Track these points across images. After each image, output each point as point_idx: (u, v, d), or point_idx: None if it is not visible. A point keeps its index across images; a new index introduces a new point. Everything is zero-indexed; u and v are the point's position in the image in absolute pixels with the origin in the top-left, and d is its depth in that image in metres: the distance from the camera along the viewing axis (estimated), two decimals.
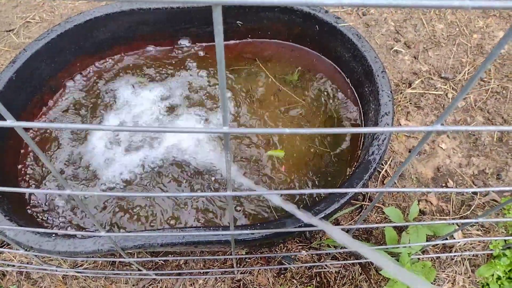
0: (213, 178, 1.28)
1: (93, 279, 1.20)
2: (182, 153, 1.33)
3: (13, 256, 1.24)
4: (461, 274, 1.19)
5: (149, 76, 1.52)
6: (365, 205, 1.30)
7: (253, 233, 0.94)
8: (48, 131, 1.38)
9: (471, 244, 1.24)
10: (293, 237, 1.25)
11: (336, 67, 1.51)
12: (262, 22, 1.52)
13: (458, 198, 1.32)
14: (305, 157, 1.32)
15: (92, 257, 1.14)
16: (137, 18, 1.45)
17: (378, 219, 1.29)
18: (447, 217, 1.28)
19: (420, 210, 1.30)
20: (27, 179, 1.28)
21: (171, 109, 1.43)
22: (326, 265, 1.21)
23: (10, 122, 0.36)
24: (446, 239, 1.21)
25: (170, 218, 1.21)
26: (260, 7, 1.47)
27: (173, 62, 1.56)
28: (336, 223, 1.28)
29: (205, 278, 1.20)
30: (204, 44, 1.59)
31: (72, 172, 1.30)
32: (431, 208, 1.30)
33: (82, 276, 1.20)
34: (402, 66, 1.63)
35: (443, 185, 1.35)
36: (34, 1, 1.93)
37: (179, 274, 1.20)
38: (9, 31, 1.82)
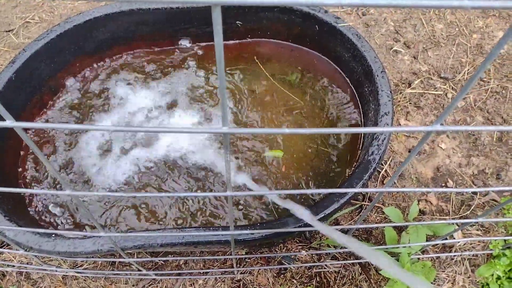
0: (213, 178, 1.28)
1: (93, 279, 1.20)
2: (181, 152, 1.33)
3: (13, 257, 1.24)
4: (461, 274, 1.19)
5: (148, 76, 1.52)
6: (365, 205, 1.30)
7: (253, 233, 0.94)
8: (48, 131, 1.38)
9: (471, 244, 1.24)
10: (293, 237, 1.25)
11: (336, 67, 1.51)
12: (261, 22, 1.52)
13: (458, 198, 1.32)
14: (305, 157, 1.32)
15: (92, 257, 1.14)
16: (136, 18, 1.45)
17: (378, 219, 1.29)
18: (447, 217, 1.28)
19: (420, 210, 1.30)
20: (27, 179, 1.28)
21: (170, 109, 1.43)
22: (326, 265, 1.21)
23: (9, 122, 0.36)
24: (446, 239, 1.21)
25: (172, 219, 1.21)
26: (259, 7, 1.47)
27: (173, 62, 1.56)
28: (336, 223, 1.28)
29: (205, 278, 1.20)
30: (203, 44, 1.59)
31: (72, 172, 1.30)
32: (431, 208, 1.30)
33: (82, 276, 1.20)
34: (401, 66, 1.63)
35: (443, 185, 1.35)
36: (34, 1, 1.93)
37: (179, 274, 1.20)
38: (9, 31, 1.81)
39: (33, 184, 1.27)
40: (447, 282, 1.18)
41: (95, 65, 1.53)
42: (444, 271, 1.20)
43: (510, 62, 1.62)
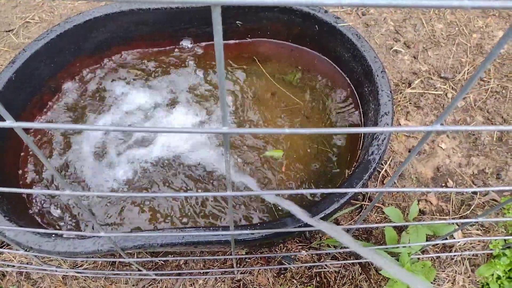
0: (212, 178, 1.28)
1: (93, 279, 1.20)
2: (180, 152, 1.33)
3: (13, 257, 1.24)
4: (461, 273, 1.19)
5: (148, 76, 1.52)
6: (365, 205, 1.30)
7: (253, 233, 0.94)
8: (48, 131, 1.38)
9: (471, 243, 1.24)
10: (293, 237, 1.25)
11: (336, 67, 1.51)
12: (261, 22, 1.52)
13: (458, 197, 1.32)
14: (305, 157, 1.32)
15: (92, 257, 1.14)
16: (136, 19, 1.45)
17: (378, 219, 1.29)
18: (447, 216, 1.28)
19: (420, 210, 1.30)
20: (27, 179, 1.28)
21: (170, 109, 1.43)
22: (326, 265, 1.21)
23: (9, 122, 0.36)
24: (446, 238, 1.21)
25: (175, 217, 1.21)
26: (259, 7, 1.47)
27: (173, 62, 1.56)
28: (336, 223, 1.28)
29: (205, 278, 1.20)
30: (203, 44, 1.59)
31: (71, 172, 1.30)
32: (431, 208, 1.30)
33: (82, 276, 1.20)
34: (401, 66, 1.63)
35: (443, 185, 1.35)
36: (34, 1, 1.93)
37: (179, 274, 1.20)
38: (9, 31, 1.81)
39: (33, 184, 1.27)
40: (447, 282, 1.18)
41: (95, 65, 1.53)
42: (444, 271, 1.20)
43: (510, 62, 1.62)
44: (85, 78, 1.51)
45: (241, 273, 1.20)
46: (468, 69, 1.60)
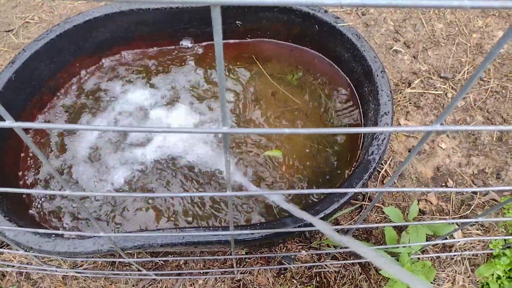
0: (213, 178, 1.28)
1: (93, 280, 1.20)
2: (179, 152, 1.33)
3: (12, 257, 1.24)
4: (461, 273, 1.19)
5: (148, 76, 1.52)
6: (364, 205, 1.30)
7: (252, 233, 0.94)
8: (48, 131, 1.38)
9: (471, 243, 1.24)
10: (293, 237, 1.25)
11: (336, 67, 1.51)
12: (261, 22, 1.52)
13: (458, 197, 1.32)
14: (305, 157, 1.32)
15: (92, 257, 1.14)
16: (136, 19, 1.45)
17: (378, 219, 1.29)
18: (447, 216, 1.28)
19: (420, 209, 1.30)
20: (27, 180, 1.28)
21: (170, 109, 1.43)
22: (326, 265, 1.21)
23: (9, 122, 0.36)
24: (446, 238, 1.21)
25: (176, 217, 1.21)
26: (259, 7, 1.47)
27: (173, 62, 1.56)
28: (336, 223, 1.28)
29: (205, 278, 1.20)
30: (203, 44, 1.59)
31: (73, 171, 1.30)
32: (431, 208, 1.30)
33: (82, 276, 1.20)
34: (401, 65, 1.63)
35: (443, 184, 1.35)
36: (34, 1, 1.93)
37: (179, 274, 1.20)
38: (9, 31, 1.81)
39: (33, 184, 1.27)
40: (447, 282, 1.18)
41: (94, 65, 1.53)
42: (444, 271, 1.20)
43: (510, 62, 1.62)
44: (85, 78, 1.51)
45: (241, 273, 1.20)
46: (468, 69, 1.60)
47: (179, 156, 1.32)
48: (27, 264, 1.22)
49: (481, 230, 1.26)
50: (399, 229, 1.21)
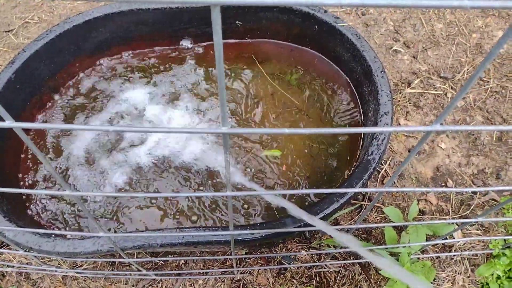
0: (212, 178, 1.28)
1: (92, 280, 1.20)
2: (180, 151, 1.33)
3: (12, 257, 1.23)
4: (460, 273, 1.19)
5: (148, 76, 1.52)
6: (364, 205, 1.30)
7: (252, 233, 0.94)
8: (48, 131, 1.38)
9: (470, 243, 1.24)
10: (293, 237, 1.25)
11: (336, 67, 1.51)
12: (261, 22, 1.52)
13: (457, 197, 1.32)
14: (305, 157, 1.32)
15: (92, 257, 1.14)
16: (136, 19, 1.45)
17: (377, 219, 1.29)
18: (447, 216, 1.28)
19: (419, 209, 1.30)
20: (26, 180, 1.28)
21: (170, 108, 1.43)
22: (326, 265, 1.21)
23: (9, 123, 0.36)
24: (446, 238, 1.21)
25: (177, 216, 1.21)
26: (259, 7, 1.47)
27: (173, 62, 1.56)
28: (336, 223, 1.28)
29: (205, 278, 1.20)
30: (203, 44, 1.59)
31: (73, 171, 1.30)
32: (430, 208, 1.30)
33: (82, 276, 1.20)
34: (401, 65, 1.63)
35: (443, 184, 1.35)
36: (33, 1, 1.93)
37: (179, 275, 1.20)
38: (8, 31, 1.81)
39: (33, 185, 1.27)
40: (447, 282, 1.18)
41: (94, 66, 1.53)
42: (444, 271, 1.20)
43: (510, 62, 1.62)
44: (84, 78, 1.51)
45: (241, 273, 1.20)
46: (467, 69, 1.60)
47: (179, 156, 1.32)
48: (27, 264, 1.22)
49: (481, 230, 1.26)
50: (399, 229, 1.21)
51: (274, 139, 1.36)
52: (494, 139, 1.43)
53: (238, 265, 1.22)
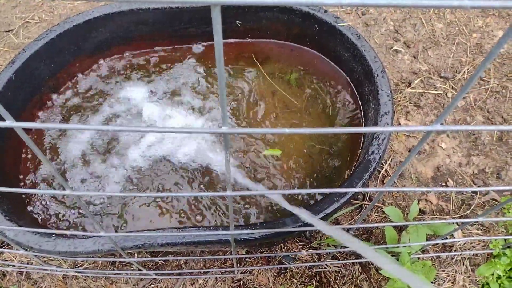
0: (211, 177, 1.28)
1: (93, 279, 1.20)
2: (179, 152, 1.33)
3: (13, 256, 1.24)
4: (461, 273, 1.19)
5: (148, 76, 1.52)
6: (365, 204, 1.30)
7: (253, 233, 0.94)
8: (48, 131, 1.38)
9: (471, 243, 1.24)
10: (293, 237, 1.25)
11: (336, 66, 1.50)
12: (261, 22, 1.52)
13: (458, 197, 1.32)
14: (305, 156, 1.32)
15: (92, 257, 1.14)
16: (136, 18, 1.45)
17: (378, 219, 1.29)
18: (447, 216, 1.28)
19: (420, 209, 1.30)
20: (27, 180, 1.28)
21: (170, 108, 1.43)
22: (326, 264, 1.21)
23: (9, 122, 0.36)
24: (446, 238, 1.21)
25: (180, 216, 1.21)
26: (259, 7, 1.47)
27: (172, 62, 1.56)
28: (336, 222, 1.28)
29: (205, 278, 1.20)
30: (203, 43, 1.59)
31: (73, 170, 1.30)
32: (431, 208, 1.30)
33: (82, 276, 1.20)
34: (401, 65, 1.63)
35: (443, 184, 1.35)
36: (33, 1, 1.93)
37: (179, 274, 1.20)
38: (9, 31, 1.81)
39: (33, 184, 1.27)
40: (447, 282, 1.18)
41: (94, 65, 1.53)
42: (444, 271, 1.20)
43: (510, 61, 1.62)
44: (84, 78, 1.51)
45: (241, 272, 1.20)
46: (468, 69, 1.60)
47: (178, 155, 1.32)
48: (28, 263, 1.22)
49: (481, 230, 1.26)
50: (399, 229, 1.21)
51: (274, 139, 1.36)
52: (494, 139, 1.43)
53: (238, 264, 1.22)
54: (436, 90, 1.55)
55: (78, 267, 1.22)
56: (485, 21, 1.75)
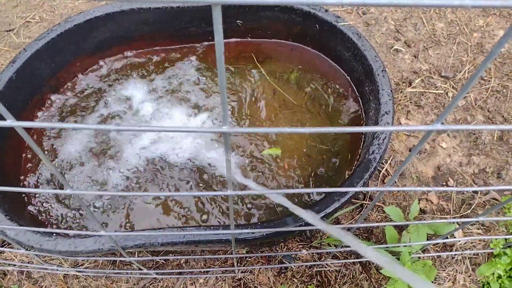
0: (213, 177, 1.28)
1: (94, 278, 1.20)
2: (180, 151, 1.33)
3: (14, 256, 1.24)
4: (461, 273, 1.19)
5: (148, 75, 1.52)
6: (365, 204, 1.30)
7: (253, 232, 0.94)
8: (48, 131, 1.38)
9: (471, 243, 1.24)
10: (294, 236, 1.25)
11: (337, 66, 1.50)
12: (261, 22, 1.52)
13: (458, 197, 1.32)
14: (306, 156, 1.32)
15: (93, 256, 1.14)
16: (137, 18, 1.45)
17: (378, 218, 1.29)
18: (448, 216, 1.28)
19: (420, 209, 1.30)
20: (27, 179, 1.28)
21: (170, 108, 1.43)
22: (326, 264, 1.21)
23: (10, 122, 0.36)
24: (447, 238, 1.21)
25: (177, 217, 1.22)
26: (259, 7, 1.47)
27: (173, 61, 1.56)
28: (337, 222, 1.28)
29: (206, 277, 1.20)
30: (204, 43, 1.59)
31: (73, 170, 1.30)
32: (431, 207, 1.30)
33: (83, 275, 1.20)
34: (402, 65, 1.63)
35: (444, 184, 1.35)
36: (34, 0, 1.93)
37: (180, 273, 1.20)
38: (9, 30, 1.82)
39: (33, 184, 1.28)
40: (448, 281, 1.18)
41: (95, 65, 1.53)
42: (444, 270, 1.20)
43: (511, 61, 1.62)
44: (85, 77, 1.51)
45: (242, 272, 1.20)
46: (468, 68, 1.60)
47: (177, 154, 1.32)
48: (28, 263, 1.22)
49: (481, 229, 1.26)
50: (400, 228, 1.21)
51: (274, 138, 1.36)
52: (495, 138, 1.43)
53: (239, 264, 1.22)
54: (436, 90, 1.55)
55: (78, 266, 1.22)
56: (486, 20, 1.75)
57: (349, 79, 1.46)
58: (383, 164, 1.39)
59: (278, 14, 1.47)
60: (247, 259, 1.23)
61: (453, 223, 1.15)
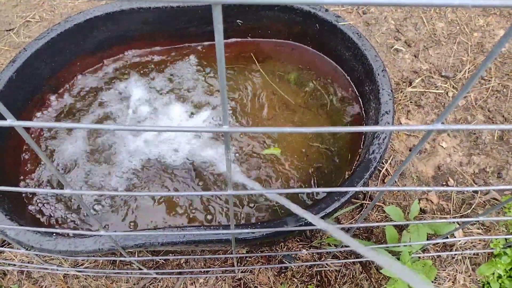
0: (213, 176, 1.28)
1: (94, 278, 1.20)
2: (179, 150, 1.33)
3: (14, 256, 1.24)
4: (461, 272, 1.19)
5: (149, 75, 1.52)
6: (365, 204, 1.30)
7: (253, 232, 0.94)
8: (48, 131, 1.38)
9: (471, 242, 1.24)
10: (294, 236, 1.25)
11: (337, 66, 1.50)
12: (262, 21, 1.52)
13: (458, 196, 1.32)
14: (306, 156, 1.32)
15: (93, 256, 1.14)
16: (137, 18, 1.45)
17: (378, 218, 1.29)
18: (448, 215, 1.28)
19: (420, 208, 1.30)
20: (27, 179, 1.28)
21: (170, 107, 1.43)
22: (326, 264, 1.21)
23: (10, 121, 0.36)
24: (447, 237, 1.21)
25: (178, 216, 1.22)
26: (260, 6, 1.47)
27: (173, 61, 1.56)
28: (337, 221, 1.28)
29: (206, 277, 1.20)
30: (204, 43, 1.59)
31: (73, 169, 1.30)
32: (431, 207, 1.30)
33: (83, 275, 1.20)
34: (402, 64, 1.63)
35: (444, 183, 1.35)
36: (34, 0, 1.93)
37: (180, 273, 1.20)
38: (9, 30, 1.81)
39: (33, 184, 1.28)
40: (448, 281, 1.18)
41: (95, 65, 1.53)
42: (445, 270, 1.20)
43: (511, 61, 1.61)
44: (85, 77, 1.51)
45: (242, 272, 1.20)
46: (469, 68, 1.60)
47: (176, 154, 1.32)
48: (28, 263, 1.22)
49: (482, 229, 1.26)
50: (400, 228, 1.21)
51: (274, 138, 1.36)
52: (495, 138, 1.43)
53: (239, 264, 1.22)
54: (437, 89, 1.55)
55: (78, 266, 1.22)
56: (486, 20, 1.75)
57: (349, 79, 1.46)
58: (383, 163, 1.39)
59: (278, 14, 1.47)
60: (247, 259, 1.23)
61: (453, 223, 1.15)
